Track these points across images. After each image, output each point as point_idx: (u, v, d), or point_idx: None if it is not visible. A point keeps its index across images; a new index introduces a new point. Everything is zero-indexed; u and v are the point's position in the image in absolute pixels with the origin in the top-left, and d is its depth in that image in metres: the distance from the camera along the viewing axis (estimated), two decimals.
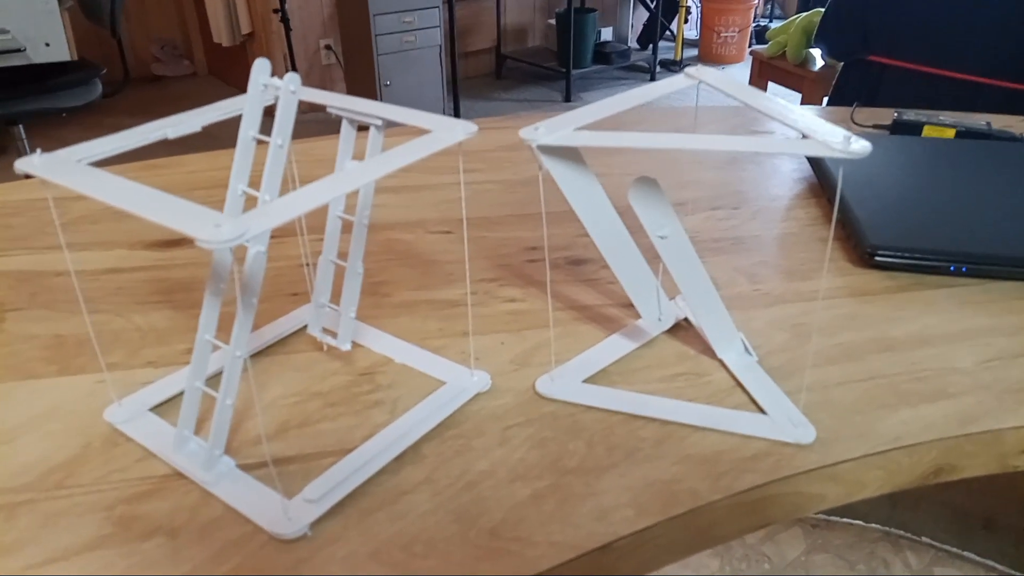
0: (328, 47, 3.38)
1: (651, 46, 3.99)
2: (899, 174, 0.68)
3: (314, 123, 3.06)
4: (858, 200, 0.63)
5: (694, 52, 4.42)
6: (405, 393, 0.44)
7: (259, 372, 0.46)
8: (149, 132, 0.38)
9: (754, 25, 4.32)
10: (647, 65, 4.06)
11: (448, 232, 0.63)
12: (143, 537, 0.35)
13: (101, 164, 0.34)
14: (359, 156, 0.38)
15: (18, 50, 1.86)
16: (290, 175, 0.68)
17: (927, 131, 0.80)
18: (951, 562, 1.10)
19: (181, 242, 0.61)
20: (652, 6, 4.03)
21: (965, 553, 1.10)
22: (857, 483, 0.41)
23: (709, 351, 0.48)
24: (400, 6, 3.06)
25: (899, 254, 0.56)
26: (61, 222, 0.65)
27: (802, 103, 2.44)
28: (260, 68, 0.40)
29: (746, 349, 0.48)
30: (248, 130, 0.40)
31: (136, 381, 0.45)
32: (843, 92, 1.70)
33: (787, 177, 0.74)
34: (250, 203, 0.38)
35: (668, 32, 4.34)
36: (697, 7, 4.45)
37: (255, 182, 0.39)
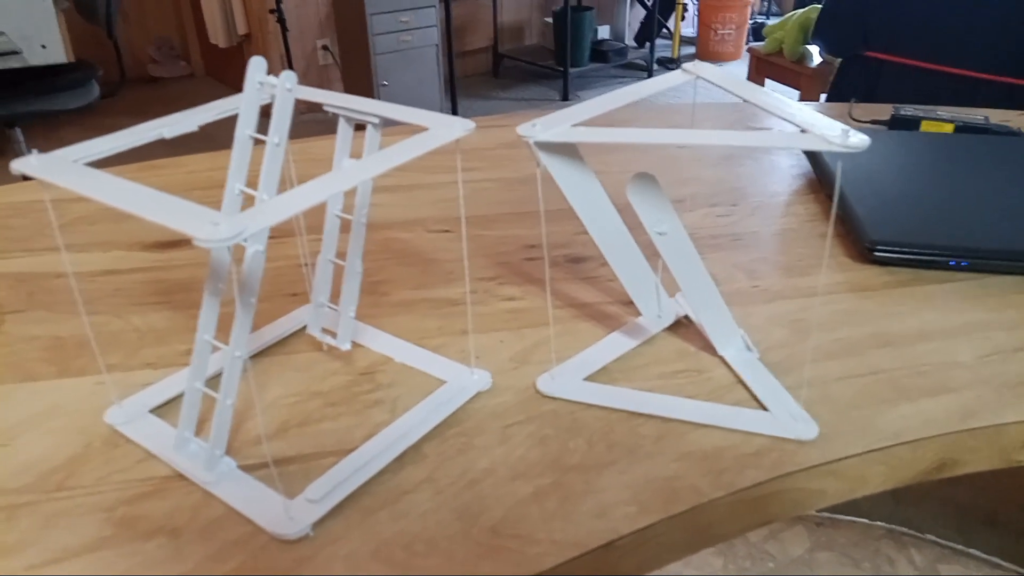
0: (325, 47, 3.38)
1: (648, 44, 3.99)
2: (898, 169, 0.68)
3: (312, 123, 3.06)
4: (857, 196, 0.63)
5: (691, 50, 4.42)
6: (405, 392, 0.44)
7: (259, 372, 0.46)
8: (145, 132, 0.38)
9: (751, 22, 4.32)
10: (644, 63, 4.06)
11: (447, 231, 0.63)
12: (144, 538, 0.35)
13: (98, 165, 0.34)
14: (357, 155, 0.38)
15: (14, 52, 1.86)
16: (288, 175, 0.68)
17: (925, 126, 0.80)
18: (956, 559, 1.10)
19: (179, 243, 0.61)
20: (649, 4, 4.03)
21: (970, 550, 1.10)
22: (859, 479, 0.41)
23: (709, 348, 0.48)
24: (396, 5, 3.05)
25: (898, 249, 0.56)
26: (59, 224, 0.65)
27: (800, 100, 2.44)
28: (256, 66, 0.40)
29: (746, 345, 0.48)
30: (245, 129, 0.40)
31: (136, 382, 0.45)
32: (841, 88, 1.70)
33: (786, 173, 0.74)
34: (248, 203, 0.38)
35: (665, 30, 4.35)
36: (694, 4, 4.45)
37: (253, 182, 0.38)
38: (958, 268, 0.56)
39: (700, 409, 0.43)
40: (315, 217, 0.64)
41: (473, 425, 0.42)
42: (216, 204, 0.40)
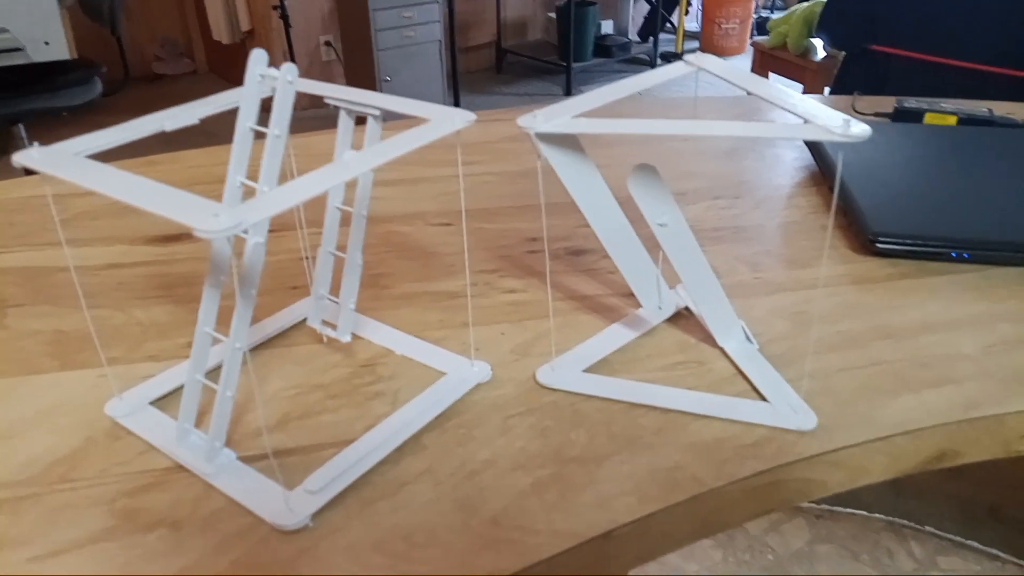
0: (328, 43, 3.38)
1: (652, 39, 3.98)
2: (901, 162, 0.68)
3: (313, 119, 3.06)
4: (860, 188, 0.62)
5: (695, 44, 4.40)
6: (406, 384, 0.44)
7: (259, 365, 0.46)
8: (147, 125, 0.38)
9: (755, 16, 4.31)
10: (648, 58, 4.05)
11: (448, 224, 0.63)
12: (146, 529, 0.35)
13: (100, 160, 0.34)
14: (358, 148, 0.38)
15: (18, 49, 1.86)
16: (288, 169, 0.68)
17: (929, 118, 0.80)
18: (955, 551, 1.10)
19: (181, 237, 0.61)
20: None
21: (969, 542, 1.10)
22: (859, 469, 0.41)
23: (709, 339, 0.48)
24: (400, 1, 3.05)
25: (901, 241, 0.56)
26: (61, 218, 0.65)
27: (804, 94, 2.43)
28: (257, 59, 0.40)
29: (747, 337, 0.48)
30: (245, 121, 0.40)
31: (137, 375, 0.45)
32: (845, 82, 1.69)
33: (789, 166, 0.74)
34: (249, 195, 0.38)
35: (669, 24, 4.33)
36: None
37: (253, 176, 0.38)
38: (960, 260, 0.56)
39: (700, 400, 0.43)
40: (316, 210, 0.64)
41: (473, 417, 0.42)
42: (216, 199, 0.40)
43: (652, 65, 4.01)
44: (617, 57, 3.90)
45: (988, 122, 0.78)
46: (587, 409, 0.42)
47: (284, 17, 2.91)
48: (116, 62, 2.17)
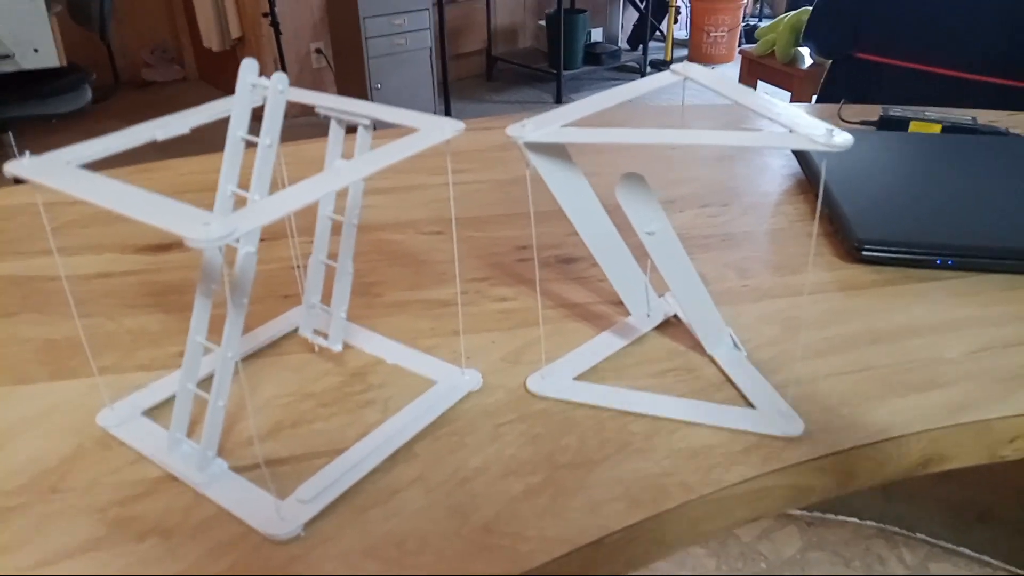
0: (318, 51, 3.38)
1: (641, 47, 4.00)
2: (886, 170, 0.68)
3: (304, 127, 3.06)
4: (846, 195, 0.63)
5: (684, 52, 4.43)
6: (397, 392, 0.45)
7: (251, 374, 0.47)
8: (138, 134, 0.38)
9: (743, 24, 4.34)
10: (637, 65, 4.08)
11: (439, 232, 0.64)
12: (137, 539, 0.35)
13: (90, 168, 0.34)
14: (348, 157, 0.38)
15: (6, 56, 1.85)
16: (280, 177, 0.68)
17: (913, 127, 0.81)
18: (946, 558, 1.11)
19: (171, 246, 0.61)
20: (642, 6, 4.04)
21: (960, 548, 1.11)
22: (847, 474, 0.41)
23: (698, 347, 0.48)
24: (390, 8, 3.06)
25: (886, 248, 0.57)
26: (52, 227, 0.65)
27: (791, 102, 2.45)
28: (248, 68, 0.40)
29: (735, 344, 0.48)
30: (236, 130, 0.40)
31: (128, 384, 0.45)
32: (832, 90, 1.70)
33: (776, 173, 0.75)
34: (240, 205, 0.38)
35: (658, 32, 4.36)
36: (687, 7, 4.46)
37: (244, 185, 0.39)
38: (945, 267, 0.57)
39: (689, 407, 0.43)
40: (307, 219, 0.64)
41: (464, 424, 0.42)
42: (208, 207, 0.40)
43: (642, 73, 4.04)
44: (607, 65, 3.92)
45: (972, 130, 0.80)
46: (577, 416, 0.43)
47: (275, 24, 2.91)
48: (105, 68, 2.17)
